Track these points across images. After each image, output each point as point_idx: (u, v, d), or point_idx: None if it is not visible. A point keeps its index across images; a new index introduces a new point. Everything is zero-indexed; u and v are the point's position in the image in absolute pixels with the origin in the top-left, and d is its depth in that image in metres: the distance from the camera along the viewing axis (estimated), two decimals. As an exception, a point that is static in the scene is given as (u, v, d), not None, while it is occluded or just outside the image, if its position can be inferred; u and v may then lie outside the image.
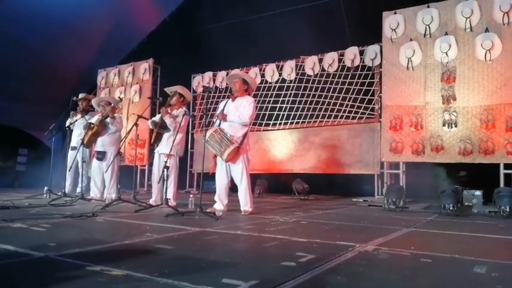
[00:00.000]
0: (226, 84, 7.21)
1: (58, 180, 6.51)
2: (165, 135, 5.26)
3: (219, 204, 4.63)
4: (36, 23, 8.85)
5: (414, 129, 6.12)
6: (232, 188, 4.84)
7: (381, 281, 1.79)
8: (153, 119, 5.47)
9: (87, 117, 6.55)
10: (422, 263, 2.14)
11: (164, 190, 4.85)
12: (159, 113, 5.47)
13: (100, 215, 4.00)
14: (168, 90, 5.57)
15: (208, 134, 4.44)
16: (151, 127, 5.40)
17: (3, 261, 1.98)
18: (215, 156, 4.67)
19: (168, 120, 5.19)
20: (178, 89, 5.45)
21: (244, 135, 4.59)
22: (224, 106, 4.77)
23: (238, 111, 4.58)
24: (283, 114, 8.40)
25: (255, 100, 5.02)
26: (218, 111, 4.80)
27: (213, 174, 4.78)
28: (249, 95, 4.86)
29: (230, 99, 4.79)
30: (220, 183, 4.67)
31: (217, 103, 8.79)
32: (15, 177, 10.14)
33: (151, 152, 5.54)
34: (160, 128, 5.24)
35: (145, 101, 9.06)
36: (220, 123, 4.66)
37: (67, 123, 6.75)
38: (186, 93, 5.53)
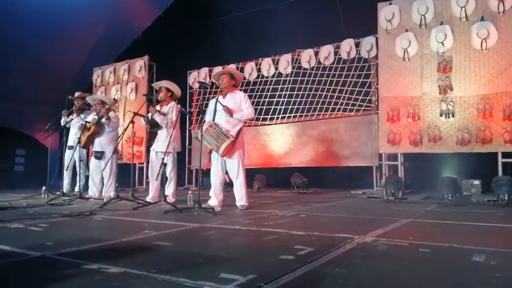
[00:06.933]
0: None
1: (56, 179, 6.49)
2: (160, 133, 5.23)
3: (214, 200, 4.56)
4: (31, 22, 8.79)
5: (412, 120, 6.11)
6: (230, 184, 4.82)
7: (379, 271, 1.78)
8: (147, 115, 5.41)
9: (82, 116, 6.51)
10: (421, 253, 2.13)
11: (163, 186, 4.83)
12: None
13: (98, 213, 3.98)
14: (155, 85, 5.49)
15: (203, 128, 4.41)
16: (144, 124, 5.34)
17: (0, 261, 1.97)
18: (210, 151, 4.64)
19: (158, 119, 5.10)
20: (165, 83, 5.36)
21: (240, 130, 4.58)
22: (216, 104, 4.65)
23: (238, 108, 4.55)
24: (280, 109, 8.39)
25: (250, 95, 5.00)
26: (209, 109, 4.71)
27: (209, 170, 4.75)
28: (236, 88, 4.85)
29: (221, 96, 4.70)
30: (216, 179, 4.61)
31: (213, 98, 8.77)
32: (13, 177, 10.12)
33: (149, 150, 5.50)
34: (153, 127, 5.20)
35: (141, 98, 9.02)
36: (214, 118, 4.59)
37: (62, 123, 6.72)
38: (174, 87, 5.39)
